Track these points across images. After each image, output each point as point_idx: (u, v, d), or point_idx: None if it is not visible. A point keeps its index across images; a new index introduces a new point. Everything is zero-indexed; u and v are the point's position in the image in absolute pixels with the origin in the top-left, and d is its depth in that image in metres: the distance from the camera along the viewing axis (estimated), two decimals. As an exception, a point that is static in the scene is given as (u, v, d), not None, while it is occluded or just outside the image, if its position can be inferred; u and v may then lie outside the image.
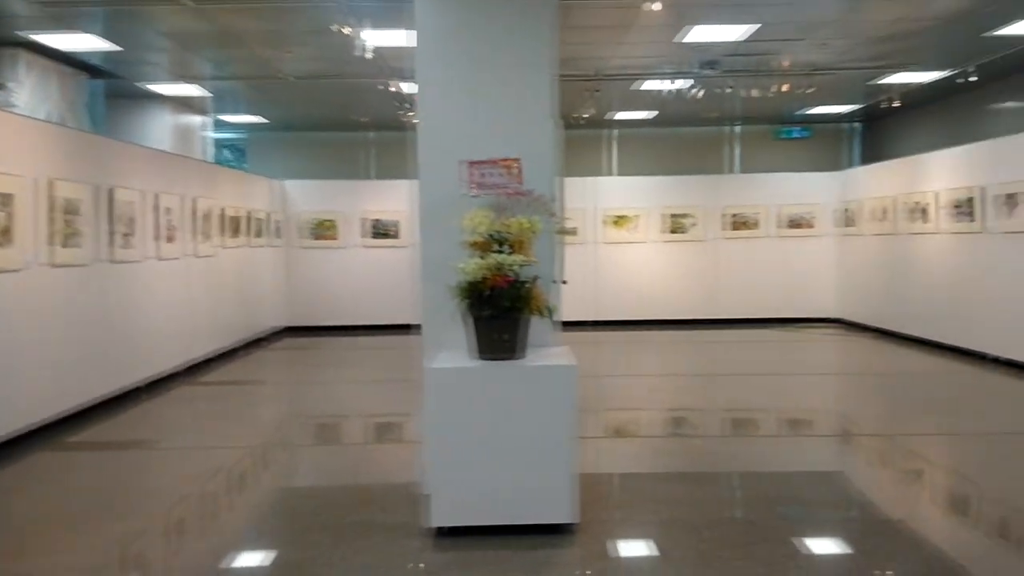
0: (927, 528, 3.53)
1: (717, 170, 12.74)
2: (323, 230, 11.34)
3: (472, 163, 3.65)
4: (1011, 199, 7.69)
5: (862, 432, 5.63)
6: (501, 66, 3.79)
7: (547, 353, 3.59)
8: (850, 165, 12.76)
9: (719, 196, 11.58)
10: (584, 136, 12.45)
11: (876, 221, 10.39)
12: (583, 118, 10.52)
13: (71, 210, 5.63)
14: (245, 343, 9.47)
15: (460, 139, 3.75)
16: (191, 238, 7.85)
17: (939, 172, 9.02)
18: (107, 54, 7.79)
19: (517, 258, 3.31)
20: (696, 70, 8.54)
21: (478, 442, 3.32)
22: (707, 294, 11.54)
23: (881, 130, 12.63)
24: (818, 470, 4.63)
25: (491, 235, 3.41)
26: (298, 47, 7.77)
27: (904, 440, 5.24)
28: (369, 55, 7.24)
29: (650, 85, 9.33)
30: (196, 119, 11.27)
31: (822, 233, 11.54)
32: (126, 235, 6.50)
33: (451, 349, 3.63)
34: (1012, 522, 3.71)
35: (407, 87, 8.74)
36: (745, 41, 7.47)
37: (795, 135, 12.90)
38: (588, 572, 3.10)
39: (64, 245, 5.53)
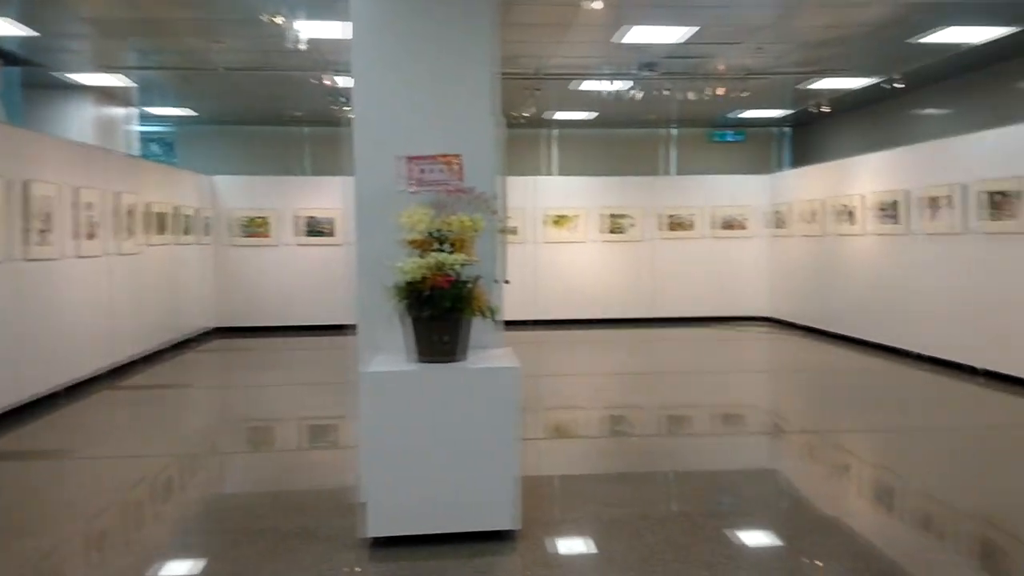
0: (861, 524, 3.59)
1: (654, 171, 12.92)
2: (255, 227, 10.98)
3: (411, 159, 3.54)
4: (934, 202, 7.99)
5: (795, 429, 5.75)
6: (441, 60, 3.69)
7: (489, 355, 3.50)
8: (780, 168, 13.11)
9: (656, 197, 11.73)
10: (524, 135, 12.43)
11: (805, 223, 10.68)
12: (523, 117, 10.50)
13: (-21, 204, 5.26)
14: (172, 345, 9.09)
15: (398, 134, 3.64)
16: (113, 235, 7.47)
17: (865, 176, 9.33)
18: (23, 40, 7.35)
19: (458, 257, 3.22)
20: (635, 71, 8.60)
21: (417, 448, 3.22)
22: (645, 294, 11.69)
23: (810, 134, 13.02)
24: (754, 467, 4.69)
25: (431, 233, 3.31)
26: (228, 37, 7.48)
27: (836, 436, 5.36)
28: (303, 47, 7.03)
29: (590, 86, 9.36)
30: (120, 111, 10.77)
31: (754, 234, 11.82)
32: (42, 231, 6.12)
33: (388, 352, 3.51)
34: (939, 516, 3.82)
35: (342, 81, 8.54)
36: (683, 44, 7.55)
37: (729, 138, 13.19)
38: (530, 578, 3.04)
39: (-29, 242, 5.17)
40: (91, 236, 6.96)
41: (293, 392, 7.21)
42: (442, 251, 3.27)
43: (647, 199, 11.70)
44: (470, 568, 3.05)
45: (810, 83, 9.60)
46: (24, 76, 8.49)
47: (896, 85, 9.11)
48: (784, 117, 12.29)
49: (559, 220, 11.52)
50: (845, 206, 9.67)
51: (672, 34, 7.23)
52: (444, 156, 3.52)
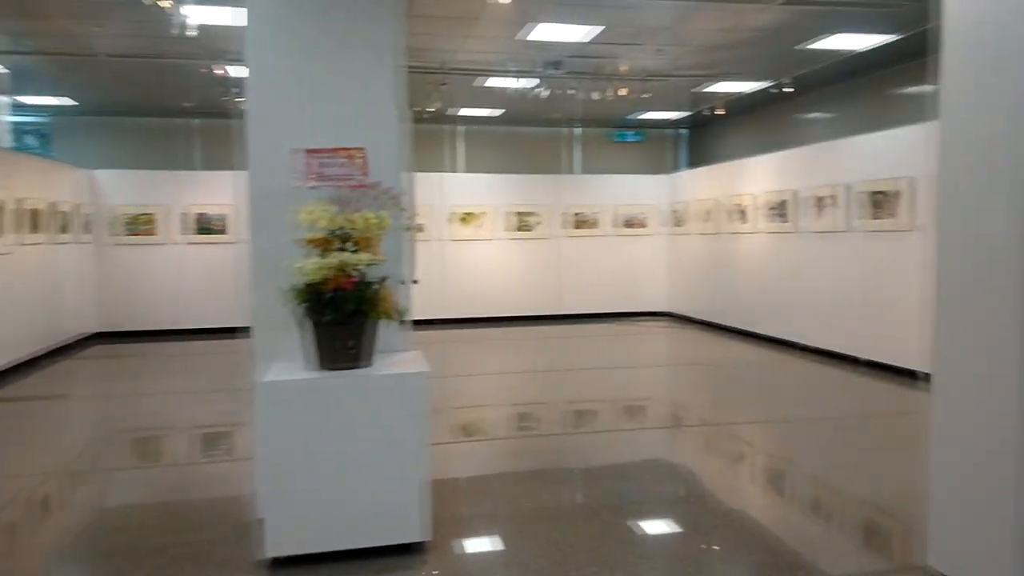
0: (765, 515, 3.67)
1: (559, 170, 13.01)
2: (140, 225, 10.31)
3: (310, 152, 3.34)
4: (820, 202, 8.39)
5: (696, 422, 5.87)
6: (342, 50, 3.51)
7: (396, 359, 3.36)
8: (678, 169, 13.49)
9: (561, 195, 11.83)
10: (430, 131, 12.24)
11: (701, 221, 11.03)
12: (428, 112, 10.31)
13: None
14: (48, 352, 8.39)
15: (296, 126, 3.43)
16: (-23, 233, 6.81)
17: (757, 176, 9.70)
18: None
19: (363, 257, 3.05)
20: (540, 70, 8.60)
21: (318, 461, 3.03)
22: (551, 291, 11.76)
23: (705, 136, 13.45)
24: (659, 461, 4.74)
25: (333, 231, 3.12)
26: (110, 21, 6.95)
27: (734, 428, 5.51)
28: (191, 33, 6.62)
29: (496, 82, 9.29)
30: (-14, 98, 9.85)
31: (654, 232, 12.12)
32: None
33: (286, 358, 3.31)
34: (836, 504, 3.97)
35: (235, 70, 8.11)
36: (588, 43, 7.59)
37: (629, 139, 13.44)
38: (442, 591, 2.93)
39: None
40: (-50, 234, 6.31)
41: (183, 400, 6.78)
42: (345, 250, 3.10)
43: (553, 197, 11.77)
44: (378, 584, 2.91)
45: (706, 86, 9.88)
46: None
47: (785, 89, 9.50)
48: (681, 119, 12.63)
49: (466, 217, 11.42)
50: (738, 205, 10.04)
51: (577, 33, 7.26)
52: (346, 149, 3.35)
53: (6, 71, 8.85)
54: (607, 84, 9.26)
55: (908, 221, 7.11)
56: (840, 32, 7.35)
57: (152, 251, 10.35)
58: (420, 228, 10.78)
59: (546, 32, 7.19)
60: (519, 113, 11.54)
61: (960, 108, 2.71)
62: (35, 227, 8.11)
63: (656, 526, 3.58)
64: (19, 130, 11.18)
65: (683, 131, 13.80)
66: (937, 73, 2.82)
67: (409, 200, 3.51)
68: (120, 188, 10.31)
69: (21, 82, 9.44)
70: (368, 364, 3.15)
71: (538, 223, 11.68)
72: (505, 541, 3.37)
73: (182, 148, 11.88)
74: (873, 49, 8.00)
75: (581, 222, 11.87)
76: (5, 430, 5.78)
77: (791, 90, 9.45)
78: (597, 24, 7.00)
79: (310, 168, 3.37)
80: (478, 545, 3.36)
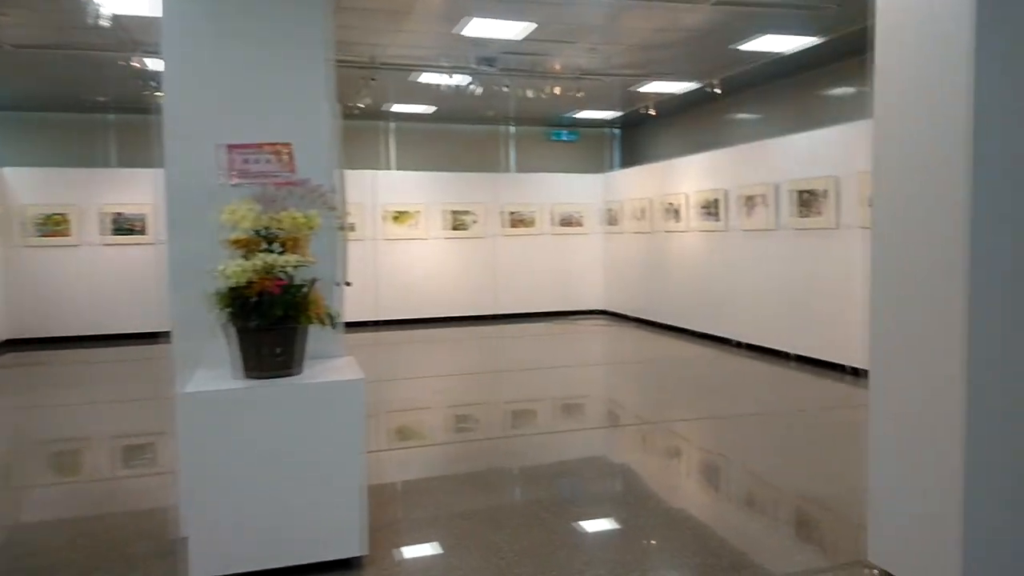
0: (707, 514, 3.67)
1: (495, 168, 12.92)
2: (53, 226, 9.74)
3: (233, 147, 3.15)
4: (750, 200, 8.55)
5: (635, 420, 5.86)
6: (267, 40, 3.32)
7: (329, 366, 3.20)
8: (612, 168, 13.58)
9: (497, 194, 11.75)
10: (361, 127, 11.97)
11: (636, 220, 11.13)
12: (358, 108, 10.06)
13: None
14: (-53, 362, 7.83)
15: (217, 121, 3.23)
16: None
17: (689, 175, 9.83)
18: None
19: (291, 258, 2.89)
20: (474, 66, 8.48)
21: (247, 475, 2.85)
22: (488, 291, 11.67)
23: (638, 136, 13.58)
24: (601, 461, 4.70)
25: (258, 231, 2.95)
26: (15, 8, 6.49)
27: (672, 425, 5.53)
28: (105, 23, 6.25)
29: (429, 78, 9.12)
30: None
31: (590, 231, 12.17)
32: None
33: (211, 366, 3.11)
34: (776, 500, 4.00)
35: (153, 63, 7.72)
36: (522, 40, 7.52)
37: (564, 137, 13.46)
38: (380, 607, 2.79)
39: None
40: None
41: (101, 410, 6.40)
42: (271, 252, 2.93)
43: (488, 196, 11.68)
44: (312, 604, 2.75)
45: (639, 86, 9.95)
46: None
47: (715, 90, 9.64)
48: (614, 119, 12.71)
49: (399, 216, 11.21)
50: (671, 204, 10.15)
51: (511, 29, 7.17)
52: (272, 145, 3.17)
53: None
54: (541, 82, 9.21)
55: (834, 219, 7.30)
56: (769, 34, 7.49)
57: (66, 253, 9.80)
58: (352, 227, 10.54)
59: (480, 27, 7.08)
60: (453, 110, 11.40)
61: (893, 105, 2.73)
62: (-68, 228, 7.56)
63: (600, 529, 3.53)
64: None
65: (616, 130, 13.90)
66: (870, 72, 2.84)
67: (340, 198, 3.35)
68: (31, 187, 9.72)
69: (-84, 74, 8.78)
70: (298, 372, 2.98)
71: (474, 222, 11.57)
72: (446, 550, 3.25)
73: (97, 145, 11.27)
74: (799, 52, 8.18)
75: (517, 221, 11.82)
76: (-102, 449, 5.33)
77: (719, 91, 9.60)
78: (531, 21, 6.93)
79: (233, 164, 3.17)
80: (418, 555, 3.24)
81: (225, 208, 2.93)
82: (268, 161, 3.18)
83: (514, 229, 11.79)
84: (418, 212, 11.25)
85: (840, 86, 9.05)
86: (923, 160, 2.58)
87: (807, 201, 7.68)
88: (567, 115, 12.26)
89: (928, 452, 2.60)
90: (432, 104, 10.98)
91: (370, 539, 3.08)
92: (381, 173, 11.52)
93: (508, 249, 11.74)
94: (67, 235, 9.79)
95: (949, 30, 2.43)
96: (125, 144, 11.23)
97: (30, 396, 7.23)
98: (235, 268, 2.81)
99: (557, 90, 9.29)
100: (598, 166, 13.43)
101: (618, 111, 11.97)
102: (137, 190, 9.89)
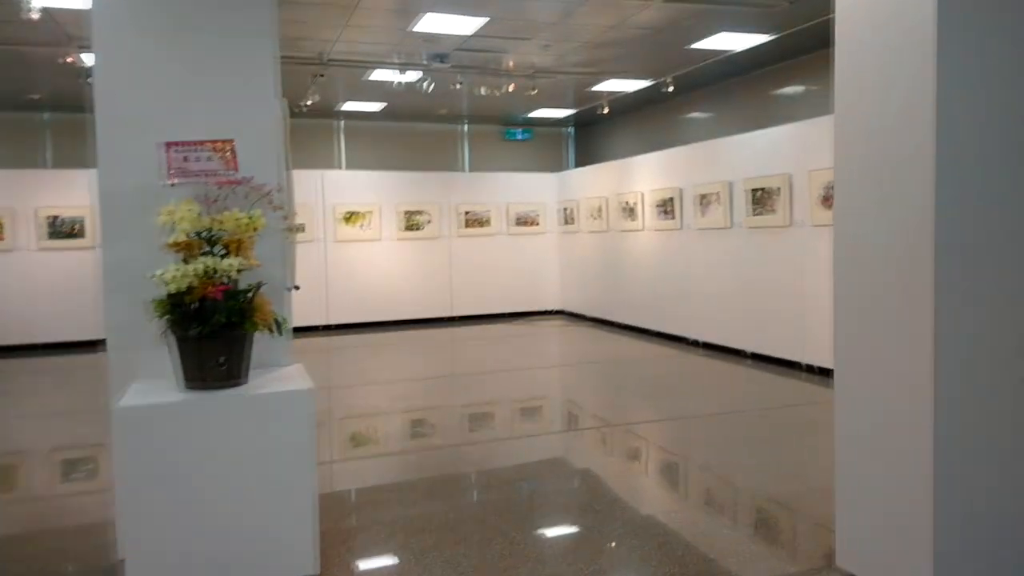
0: (675, 521, 3.59)
1: (449, 167, 12.75)
2: (-17, 230, 9.26)
3: (171, 145, 2.95)
4: (704, 199, 8.57)
5: (601, 423, 5.79)
6: (208, 33, 3.13)
7: (277, 375, 3.02)
8: (566, 167, 13.55)
9: (452, 194, 11.58)
10: (310, 126, 11.68)
11: (592, 219, 11.09)
12: (306, 106, 9.79)
13: None
14: None
15: (154, 118, 3.03)
16: None
17: (644, 174, 9.83)
18: None
19: (234, 261, 2.71)
20: (425, 63, 8.31)
21: (188, 494, 2.66)
22: (443, 292, 11.50)
23: (591, 135, 13.57)
24: (564, 467, 4.60)
25: (199, 234, 2.76)
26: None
27: (634, 428, 5.47)
28: (35, 16, 5.92)
29: (380, 75, 8.92)
30: None
31: (546, 231, 12.09)
32: None
33: (149, 378, 2.91)
34: (744, 504, 3.95)
35: (89, 58, 7.37)
36: (474, 35, 7.39)
37: (518, 136, 13.38)
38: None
39: None
40: None
41: (36, 423, 6.05)
42: (214, 255, 2.75)
43: (443, 195, 11.51)
44: (261, 630, 2.58)
45: (593, 84, 9.91)
46: None
47: (668, 89, 9.66)
48: (568, 117, 12.67)
49: (351, 217, 10.97)
50: (627, 203, 10.14)
51: (463, 24, 7.03)
52: (212, 142, 2.98)
53: None
54: (494, 80, 9.10)
55: (787, 217, 7.35)
56: (721, 32, 7.50)
57: (-2, 258, 9.33)
58: (301, 229, 10.28)
59: (432, 23, 6.93)
60: (404, 108, 11.21)
61: (854, 102, 2.68)
62: None
63: (564, 539, 3.42)
64: None
65: (570, 129, 13.87)
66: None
67: (286, 198, 3.17)
68: (-43, 189, 9.23)
69: None
70: (243, 382, 2.80)
71: (428, 222, 11.39)
72: (403, 565, 3.10)
73: (32, 145, 10.77)
74: (751, 50, 8.23)
75: (473, 221, 11.67)
76: None
77: (671, 89, 9.62)
78: (483, 16, 6.80)
79: (171, 162, 2.97)
80: (374, 572, 3.08)
81: (162, 209, 2.74)
82: (209, 159, 2.99)
83: (469, 229, 11.64)
84: (370, 213, 11.02)
85: (791, 85, 9.14)
86: (886, 156, 2.53)
87: (760, 199, 7.72)
88: (521, 114, 12.17)
89: (896, 453, 2.55)
90: (383, 102, 10.78)
91: (323, 556, 2.92)
92: (331, 173, 11.25)
93: (463, 250, 11.59)
94: (0, 239, 9.32)
95: (911, 24, 2.39)
96: (62, 144, 10.76)
97: (-42, 410, 6.82)
98: (174, 273, 2.62)
99: (511, 88, 9.19)
100: (553, 165, 13.37)
101: (572, 109, 11.93)
102: (74, 192, 9.46)
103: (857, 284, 2.70)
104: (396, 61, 8.26)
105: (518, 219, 11.93)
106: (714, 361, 7.90)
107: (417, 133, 12.69)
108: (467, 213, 11.63)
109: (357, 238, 10.99)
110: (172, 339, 2.74)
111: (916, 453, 2.46)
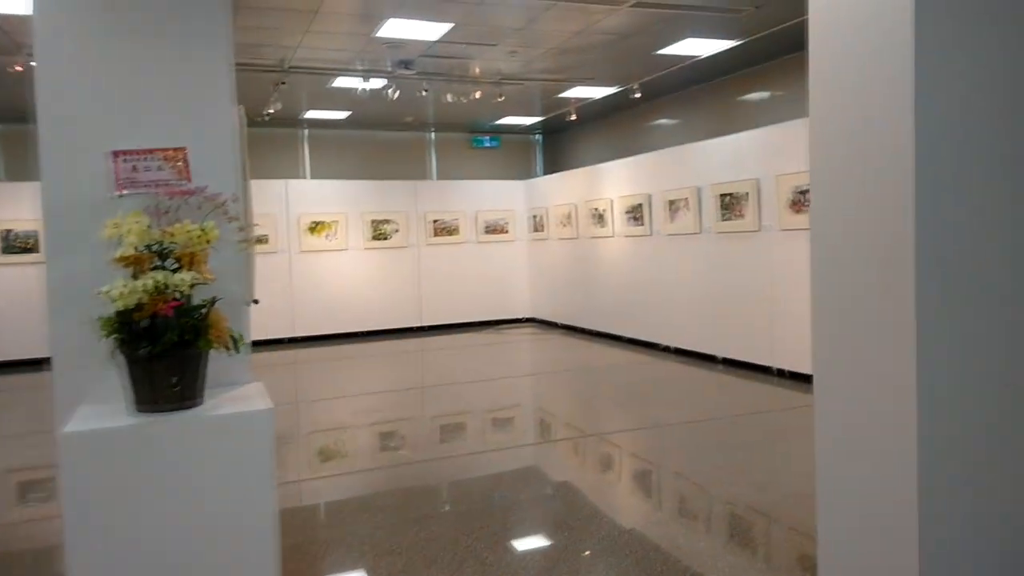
0: (657, 533, 3.50)
1: (416, 176, 12.61)
2: (-69, 245, 8.91)
3: (119, 154, 2.79)
4: (673, 205, 8.55)
5: (577, 434, 5.70)
6: (157, 35, 2.97)
7: (234, 395, 2.86)
8: (535, 174, 13.49)
9: (420, 202, 11.44)
10: (273, 135, 11.47)
11: (562, 226, 11.03)
12: (268, 114, 9.59)
13: None
14: None
15: (100, 126, 2.86)
16: None
17: (613, 181, 9.80)
18: None
19: (186, 276, 2.55)
20: (390, 69, 8.19)
21: (141, 522, 2.50)
22: (412, 302, 11.34)
23: (559, 142, 13.54)
24: (538, 480, 4.50)
25: (149, 247, 2.60)
26: None
27: (613, 438, 5.38)
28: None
29: (344, 83, 8.77)
30: None
31: (516, 238, 12.01)
32: None
33: (98, 400, 2.74)
34: (722, 514, 3.88)
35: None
36: (439, 42, 7.29)
37: (486, 144, 13.29)
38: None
39: None
40: None
41: (-16, 448, 5.79)
42: (165, 269, 2.59)
43: (410, 204, 11.36)
44: (219, 667, 2.42)
45: (560, 91, 9.87)
46: None
47: (635, 95, 9.65)
48: (536, 124, 12.62)
49: (316, 227, 10.76)
50: (596, 210, 10.10)
51: (428, 30, 6.92)
52: (163, 150, 2.82)
53: None
54: (461, 87, 9.00)
55: (755, 222, 7.35)
56: (688, 37, 7.50)
57: (-54, 275, 8.97)
58: (261, 240, 10.07)
59: (396, 28, 6.81)
60: (370, 116, 11.05)
61: (830, 104, 2.62)
62: None
63: (538, 558, 3.31)
64: None
65: (538, 137, 13.82)
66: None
67: (243, 208, 3.02)
68: (-98, 203, 8.86)
69: None
70: (198, 403, 2.64)
71: (396, 231, 11.23)
72: (372, 592, 2.97)
73: (-19, 157, 10.41)
74: (717, 56, 8.25)
75: (441, 229, 11.54)
76: None
77: (639, 96, 9.61)
78: (448, 21, 6.70)
79: (119, 172, 2.81)
80: (341, 600, 2.95)
81: (108, 222, 2.57)
82: (160, 168, 2.84)
83: (438, 238, 11.51)
84: (336, 222, 10.83)
85: (757, 90, 9.18)
86: (864, 157, 2.48)
87: (729, 204, 7.72)
88: (489, 121, 12.09)
89: (879, 460, 2.49)
90: (348, 110, 10.62)
91: (287, 585, 2.78)
92: (296, 182, 11.04)
93: (432, 258, 11.45)
94: (-53, 255, 8.98)
95: (890, 25, 2.33)
96: (14, 156, 10.41)
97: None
98: (121, 289, 2.46)
99: (477, 94, 9.10)
100: (522, 172, 13.31)
101: (540, 117, 11.88)
102: (27, 205, 9.15)
103: (836, 286, 2.64)
104: (360, 68, 8.12)
105: (487, 227, 11.83)
106: (686, 367, 7.87)
107: (383, 141, 12.53)
108: (435, 222, 11.50)
109: (323, 248, 10.79)
110: (121, 359, 2.57)
111: (900, 455, 2.40)
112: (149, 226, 2.61)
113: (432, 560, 3.22)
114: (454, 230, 11.60)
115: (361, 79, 8.36)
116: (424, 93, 8.94)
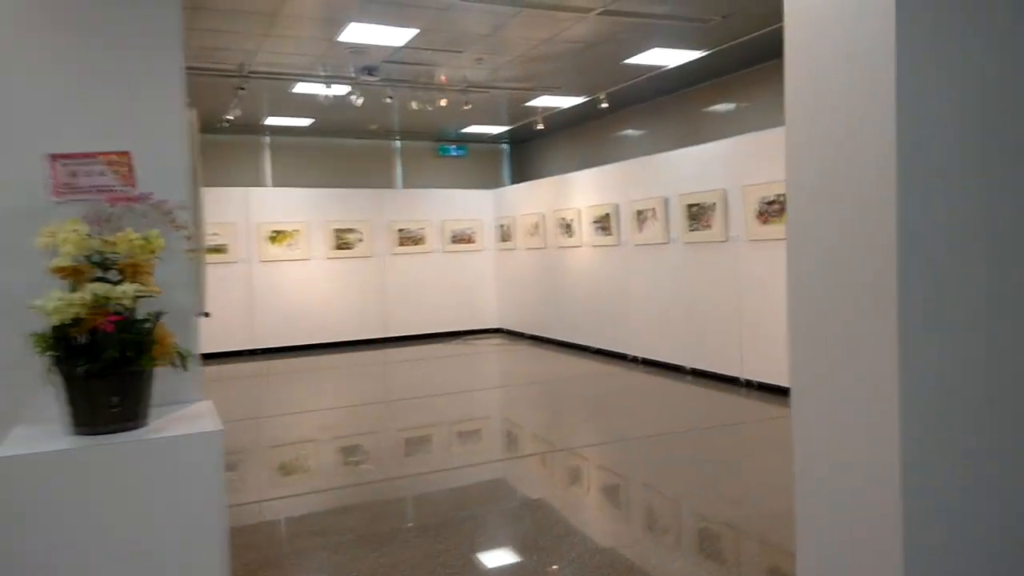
0: (634, 553, 3.39)
1: (381, 184, 12.42)
2: None
3: (57, 157, 2.61)
4: (641, 215, 8.51)
5: (548, 448, 5.57)
6: (102, 33, 2.80)
7: (181, 415, 2.69)
8: (502, 184, 13.39)
9: (385, 211, 11.26)
10: (233, 142, 11.20)
11: (529, 236, 10.94)
12: (228, 120, 9.35)
13: None
14: None
15: (38, 128, 2.68)
16: None
17: (581, 191, 9.74)
18: None
19: (128, 288, 2.38)
20: (353, 75, 8.02)
21: (79, 553, 2.31)
22: (377, 313, 11.14)
23: (526, 151, 13.47)
24: (509, 498, 4.36)
25: (88, 257, 2.43)
26: None
27: (584, 452, 5.27)
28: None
29: (307, 89, 8.58)
30: None
31: (483, 248, 11.88)
32: None
33: (34, 422, 2.55)
34: (698, 530, 3.79)
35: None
36: (404, 47, 7.15)
37: (452, 152, 13.17)
38: None
39: None
40: None
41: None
42: (106, 280, 2.42)
43: (375, 213, 11.18)
44: None
45: (527, 100, 9.80)
46: None
47: (603, 105, 9.62)
48: (503, 133, 12.54)
49: (277, 236, 10.51)
50: (564, 220, 10.03)
51: (392, 36, 6.79)
52: (106, 154, 2.65)
53: None
54: (426, 94, 8.87)
55: (723, 232, 7.33)
56: (655, 47, 7.48)
57: None
58: (220, 249, 9.81)
59: (357, 33, 6.66)
60: (334, 123, 10.86)
61: (807, 112, 2.55)
62: None
63: (510, 568, 3.18)
64: None
65: (505, 146, 13.74)
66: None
67: (193, 216, 2.85)
68: None
69: None
70: (141, 424, 2.47)
71: (360, 240, 11.03)
72: (331, 622, 2.81)
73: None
74: (683, 67, 8.25)
75: (407, 239, 11.37)
76: None
77: (605, 105, 9.59)
78: (413, 27, 6.57)
79: (57, 177, 2.63)
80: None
81: (43, 230, 2.39)
82: (102, 173, 2.66)
83: (403, 247, 11.33)
84: (298, 231, 10.60)
85: (722, 102, 9.21)
86: (844, 166, 2.41)
87: (696, 215, 7.69)
88: (455, 130, 11.98)
89: (861, 474, 2.41)
90: (311, 117, 10.41)
91: (239, 618, 2.60)
92: (257, 190, 10.79)
93: (398, 268, 11.26)
94: None
95: (869, 26, 2.27)
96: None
97: None
98: (56, 302, 2.28)
99: (443, 102, 8.98)
100: (489, 182, 13.20)
101: (507, 126, 11.80)
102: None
103: (815, 295, 2.56)
104: (322, 74, 7.95)
105: (454, 236, 11.69)
106: (654, 378, 7.81)
107: (347, 149, 12.33)
108: (401, 231, 11.32)
109: (285, 258, 10.55)
110: (58, 378, 2.39)
111: (883, 468, 2.32)
112: (89, 235, 2.44)
113: (395, 586, 3.07)
114: (420, 239, 11.43)
115: (324, 85, 8.18)
116: (389, 100, 8.79)
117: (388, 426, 6.37)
